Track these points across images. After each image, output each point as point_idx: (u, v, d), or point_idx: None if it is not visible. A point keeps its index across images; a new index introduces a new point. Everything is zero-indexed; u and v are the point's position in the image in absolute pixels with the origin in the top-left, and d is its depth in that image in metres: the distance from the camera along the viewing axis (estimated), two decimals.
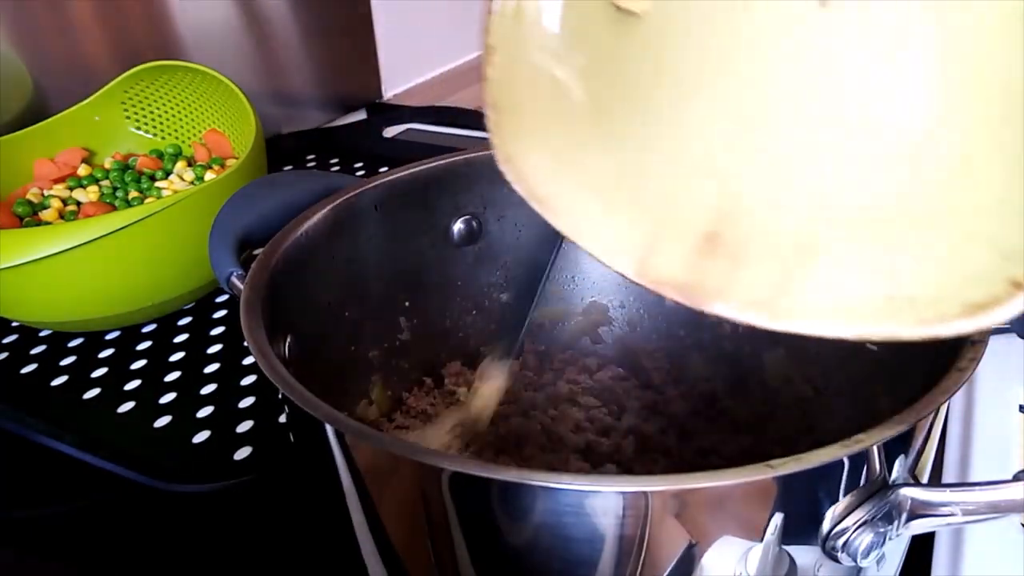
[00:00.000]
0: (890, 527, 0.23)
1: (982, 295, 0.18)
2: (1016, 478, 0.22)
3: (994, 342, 0.27)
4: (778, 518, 0.22)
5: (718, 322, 0.42)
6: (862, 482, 0.23)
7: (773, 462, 0.20)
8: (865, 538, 0.22)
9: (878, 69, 0.20)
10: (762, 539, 0.22)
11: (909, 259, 0.20)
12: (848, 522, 0.22)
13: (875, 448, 0.22)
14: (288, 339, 0.32)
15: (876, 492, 0.23)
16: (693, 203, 0.23)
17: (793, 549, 0.23)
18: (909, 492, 0.23)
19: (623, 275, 0.24)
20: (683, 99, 0.23)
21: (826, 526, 0.23)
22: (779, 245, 0.22)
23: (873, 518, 0.22)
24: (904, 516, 0.23)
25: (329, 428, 0.24)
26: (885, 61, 0.20)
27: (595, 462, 0.38)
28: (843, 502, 0.22)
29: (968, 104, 0.19)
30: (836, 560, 0.23)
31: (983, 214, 0.19)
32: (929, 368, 0.25)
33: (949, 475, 0.39)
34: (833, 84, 0.21)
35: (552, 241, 0.39)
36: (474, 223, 0.42)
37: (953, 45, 0.20)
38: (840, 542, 0.22)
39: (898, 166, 0.20)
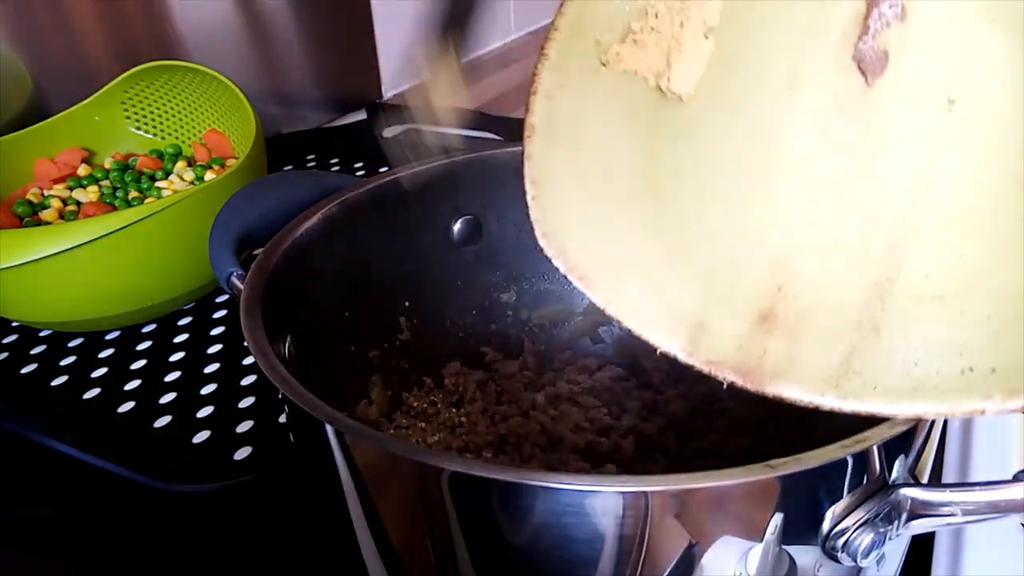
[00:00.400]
0: (890, 527, 0.23)
1: None
2: (1016, 478, 0.22)
3: None
4: (778, 518, 0.22)
5: None
6: (862, 482, 0.23)
7: (773, 462, 0.20)
8: (865, 538, 0.22)
9: (929, 142, 0.20)
10: (762, 539, 0.22)
11: (983, 331, 0.19)
12: (848, 522, 0.22)
13: (875, 448, 0.22)
14: (288, 339, 0.32)
15: (876, 492, 0.23)
16: (744, 279, 0.22)
17: (793, 549, 0.23)
18: (909, 492, 0.23)
19: (674, 356, 0.23)
20: (731, 176, 0.23)
21: (826, 526, 0.23)
22: (839, 322, 0.21)
23: (873, 518, 0.22)
24: (904, 516, 0.23)
25: (329, 428, 0.24)
26: (935, 134, 0.20)
27: (595, 462, 0.38)
28: (843, 502, 0.22)
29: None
30: (836, 560, 0.23)
31: None
32: None
33: (949, 475, 0.39)
34: (885, 160, 0.21)
35: None
36: (474, 223, 0.42)
37: (1005, 110, 0.19)
38: (840, 542, 0.22)
39: (959, 239, 0.20)
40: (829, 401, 0.20)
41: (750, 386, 0.22)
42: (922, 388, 0.19)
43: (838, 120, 0.21)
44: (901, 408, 0.20)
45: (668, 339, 0.23)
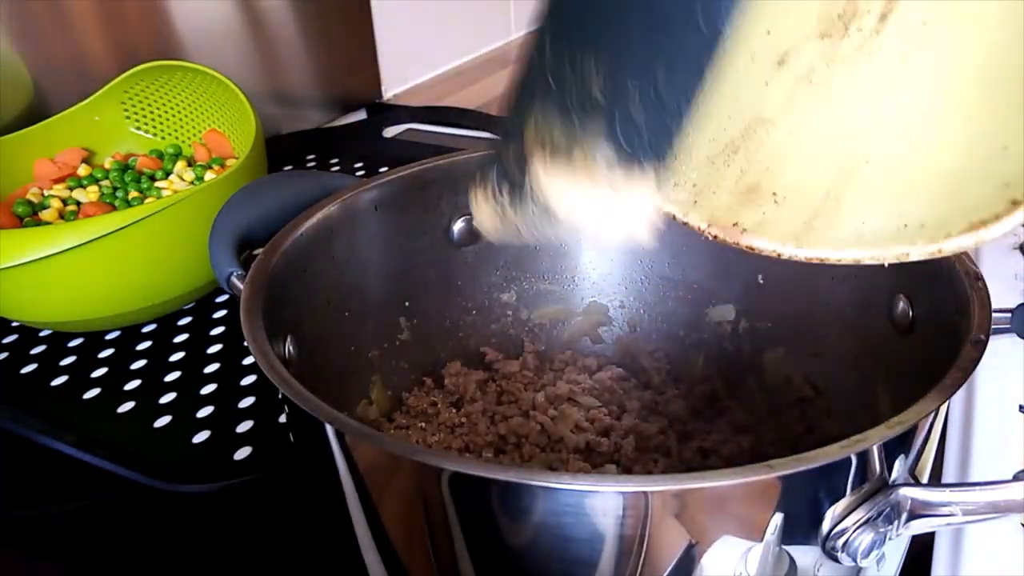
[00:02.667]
0: (890, 527, 0.23)
1: (984, 214, 0.21)
2: (1016, 478, 0.22)
3: (994, 342, 0.27)
4: (778, 518, 0.22)
5: (718, 322, 0.42)
6: (862, 482, 0.23)
7: (773, 462, 0.20)
8: (865, 538, 0.22)
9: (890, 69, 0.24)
10: (762, 539, 0.22)
11: (920, 199, 0.23)
12: (848, 522, 0.22)
13: (875, 448, 0.22)
14: (288, 339, 0.32)
15: (876, 492, 0.23)
16: (738, 165, 0.27)
17: (793, 549, 0.23)
18: (909, 492, 0.23)
19: (672, 217, 0.28)
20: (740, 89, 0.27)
21: (826, 526, 0.23)
22: (810, 195, 0.25)
23: (873, 518, 0.23)
24: (904, 516, 0.23)
25: (329, 428, 0.24)
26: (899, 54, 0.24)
27: (595, 462, 0.38)
28: (843, 502, 0.23)
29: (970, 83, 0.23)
30: (836, 560, 0.23)
31: (988, 159, 0.22)
32: (929, 368, 0.25)
33: (949, 475, 0.39)
34: (856, 79, 0.25)
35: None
36: (473, 223, 0.42)
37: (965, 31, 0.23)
38: (840, 542, 0.23)
39: (908, 134, 0.24)
40: (788, 251, 0.25)
41: (728, 239, 0.26)
42: (863, 239, 0.24)
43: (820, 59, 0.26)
44: (843, 254, 0.24)
45: (670, 206, 0.28)
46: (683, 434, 0.40)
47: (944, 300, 0.29)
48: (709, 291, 0.42)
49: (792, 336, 0.39)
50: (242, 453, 0.41)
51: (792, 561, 0.23)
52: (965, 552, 0.35)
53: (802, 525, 0.22)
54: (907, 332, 0.32)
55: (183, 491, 0.40)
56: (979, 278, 0.28)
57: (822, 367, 0.38)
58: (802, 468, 0.21)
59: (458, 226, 0.42)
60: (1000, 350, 0.28)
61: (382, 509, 0.25)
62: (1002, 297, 0.53)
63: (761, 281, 0.40)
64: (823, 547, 0.23)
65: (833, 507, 0.22)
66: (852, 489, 0.22)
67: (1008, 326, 0.29)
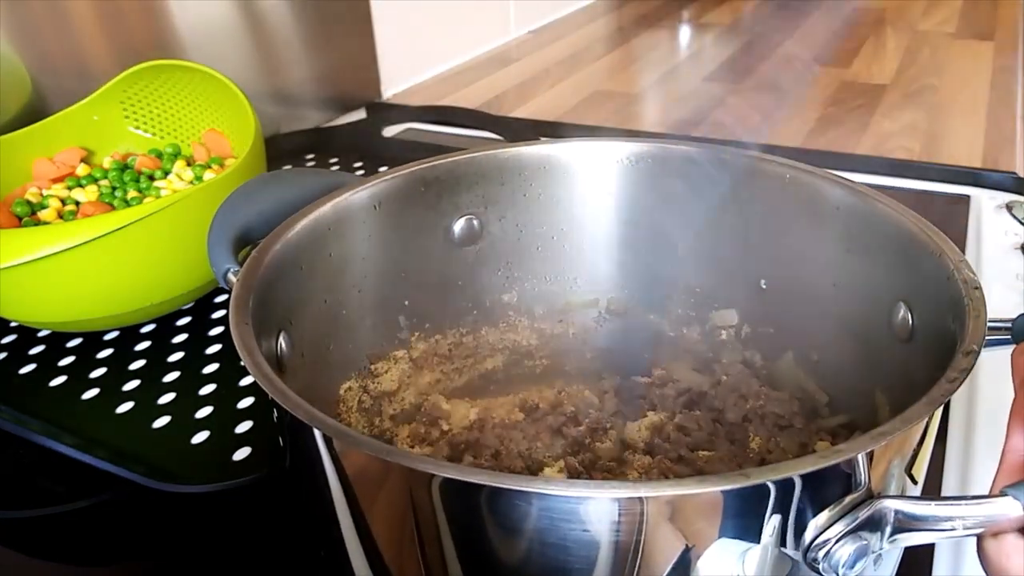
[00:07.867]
0: (874, 539, 0.22)
1: None
2: (1003, 492, 0.21)
3: (998, 350, 0.26)
4: (774, 521, 0.22)
5: (720, 326, 0.42)
6: (846, 493, 0.22)
7: (749, 471, 0.20)
8: (847, 550, 0.22)
9: None
10: (759, 542, 0.22)
11: None
12: (830, 533, 0.22)
13: (859, 459, 0.22)
14: (281, 336, 0.32)
15: (860, 503, 0.22)
16: None
17: (791, 554, 0.23)
18: (894, 504, 0.22)
19: None
20: None
21: (808, 536, 0.22)
22: None
23: (856, 530, 0.22)
24: (888, 529, 0.22)
25: (317, 432, 0.24)
26: None
27: (597, 464, 0.38)
28: (826, 513, 0.22)
29: None
30: (817, 571, 0.22)
31: None
32: (929, 376, 0.25)
33: (950, 483, 0.39)
34: None
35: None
36: (474, 223, 0.42)
37: None
38: (821, 553, 0.22)
39: None
40: None
41: None
42: None
43: None
44: None
45: None
46: (684, 435, 0.40)
47: (943, 308, 0.29)
48: (711, 295, 0.42)
49: (794, 342, 0.39)
50: (241, 453, 0.41)
51: (793, 562, 0.23)
52: (966, 552, 0.35)
53: (787, 534, 0.22)
54: (907, 340, 0.32)
55: (182, 492, 0.40)
56: (977, 287, 0.28)
57: (824, 373, 0.38)
58: (776, 477, 0.21)
59: (458, 226, 0.42)
60: (1001, 354, 0.28)
61: (371, 514, 0.25)
62: (1003, 298, 0.53)
63: (764, 286, 0.40)
64: (804, 558, 0.22)
65: (816, 517, 0.22)
66: (835, 499, 0.22)
67: (1008, 336, 0.29)
